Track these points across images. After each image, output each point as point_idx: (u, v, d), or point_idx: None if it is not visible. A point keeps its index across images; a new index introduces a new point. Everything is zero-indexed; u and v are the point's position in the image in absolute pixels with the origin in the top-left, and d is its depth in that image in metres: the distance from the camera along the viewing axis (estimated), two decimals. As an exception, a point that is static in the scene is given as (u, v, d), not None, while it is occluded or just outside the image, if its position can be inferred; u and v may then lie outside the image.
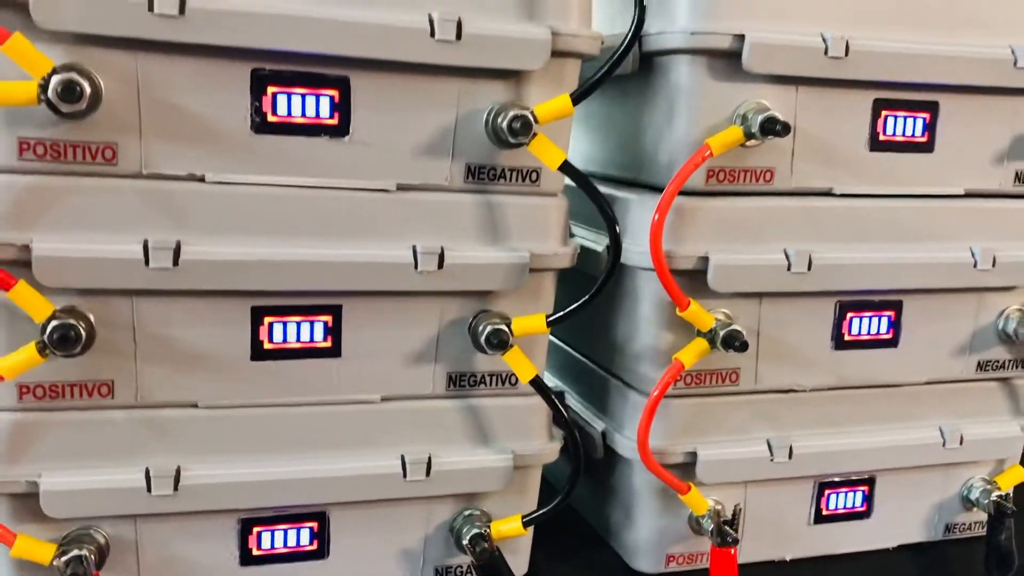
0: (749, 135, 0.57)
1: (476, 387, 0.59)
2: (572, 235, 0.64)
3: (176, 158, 0.51)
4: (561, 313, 0.57)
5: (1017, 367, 0.68)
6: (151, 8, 0.47)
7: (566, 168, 0.55)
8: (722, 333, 0.58)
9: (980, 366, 0.68)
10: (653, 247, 0.56)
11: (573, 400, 0.71)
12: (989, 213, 0.65)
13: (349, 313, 0.56)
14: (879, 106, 0.61)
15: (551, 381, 0.76)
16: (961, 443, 0.67)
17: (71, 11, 0.47)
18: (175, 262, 0.51)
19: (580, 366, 0.71)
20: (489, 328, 0.56)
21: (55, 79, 0.46)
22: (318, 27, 0.50)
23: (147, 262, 0.50)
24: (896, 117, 0.61)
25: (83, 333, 0.49)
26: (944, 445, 0.67)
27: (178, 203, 0.51)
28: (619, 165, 0.67)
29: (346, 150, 0.54)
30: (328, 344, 0.56)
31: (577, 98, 0.54)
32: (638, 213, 0.60)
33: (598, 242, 0.63)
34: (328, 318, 0.55)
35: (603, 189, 0.64)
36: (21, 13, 0.46)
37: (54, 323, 0.49)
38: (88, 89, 0.47)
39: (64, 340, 0.49)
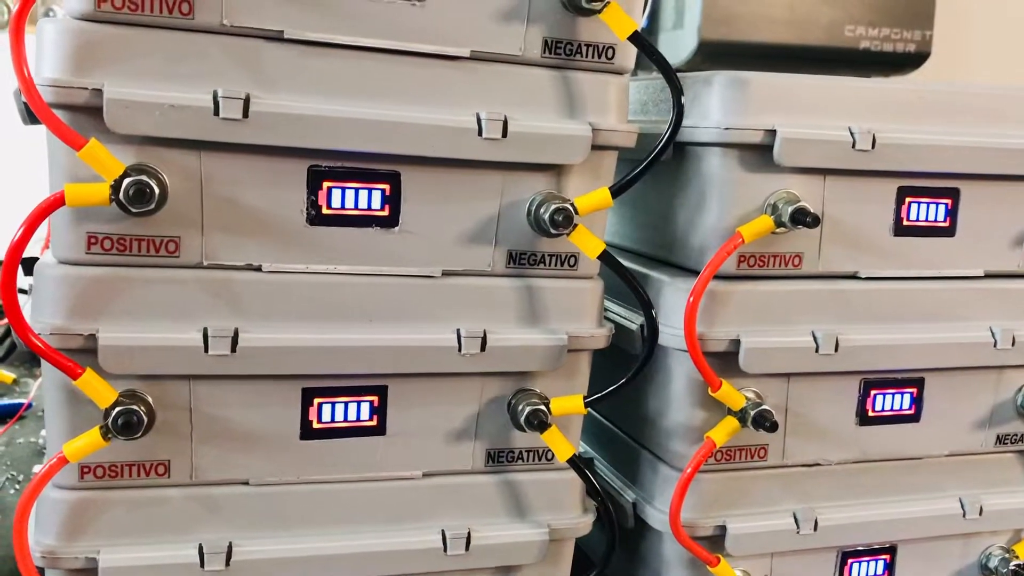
0: (780, 224, 0.59)
1: (514, 463, 0.61)
2: (605, 309, 0.66)
3: (235, 249, 0.53)
4: (598, 395, 0.59)
5: (1035, 440, 0.71)
6: (216, 112, 0.50)
7: (605, 257, 0.57)
8: (752, 413, 0.60)
9: (999, 439, 0.70)
10: (687, 331, 0.58)
11: (602, 467, 0.73)
12: (1008, 294, 0.67)
13: (394, 393, 0.58)
14: (903, 193, 0.63)
15: (581, 447, 0.78)
16: (981, 514, 0.69)
17: (142, 117, 0.49)
18: (233, 349, 0.53)
19: (610, 434, 0.73)
20: (529, 409, 0.58)
21: (126, 182, 0.48)
22: (372, 127, 0.53)
23: (206, 349, 0.53)
24: (919, 203, 0.64)
25: (144, 418, 0.51)
26: (964, 516, 0.69)
27: (236, 291, 0.54)
28: (651, 243, 0.69)
29: (395, 240, 0.56)
30: (374, 423, 0.58)
31: (616, 192, 0.57)
32: (671, 295, 0.62)
33: (631, 319, 0.65)
34: (374, 398, 0.58)
35: (635, 267, 0.67)
36: (94, 116, 0.49)
37: (118, 409, 0.51)
38: (157, 190, 0.49)
39: (127, 426, 0.51)
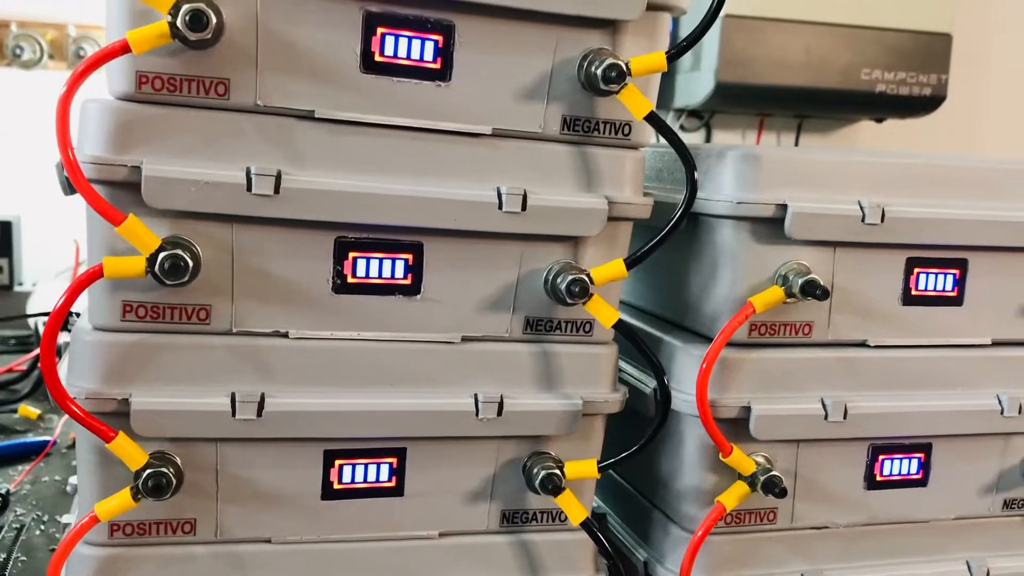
0: (790, 295, 0.61)
1: (528, 523, 0.63)
2: (621, 371, 0.68)
3: (263, 317, 0.56)
4: (612, 460, 0.61)
5: (1042, 505, 0.72)
6: (249, 188, 0.52)
7: (619, 326, 0.59)
8: (763, 479, 0.62)
9: (1006, 504, 0.71)
10: (699, 397, 0.60)
11: (614, 523, 0.75)
12: (1015, 362, 0.68)
13: (413, 456, 0.60)
14: (912, 264, 0.65)
15: (594, 501, 0.79)
16: (988, 577, 0.70)
17: (179, 193, 0.51)
18: (259, 413, 0.55)
19: (624, 492, 0.74)
20: (543, 473, 0.60)
21: (162, 256, 0.51)
22: (396, 202, 0.55)
23: (234, 413, 0.55)
24: (928, 274, 0.65)
25: (173, 480, 0.53)
26: (971, 579, 0.70)
27: (263, 357, 0.56)
28: (666, 306, 0.71)
29: (417, 307, 0.58)
30: (392, 484, 0.60)
31: (631, 264, 0.59)
32: (684, 361, 0.64)
33: (646, 382, 0.67)
34: (393, 460, 0.59)
35: (648, 329, 0.69)
36: (132, 191, 0.51)
37: (148, 471, 0.53)
38: (191, 264, 0.51)
39: (157, 488, 0.53)
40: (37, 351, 1.28)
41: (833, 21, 1.72)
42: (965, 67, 1.85)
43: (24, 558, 0.80)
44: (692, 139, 1.87)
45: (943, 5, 1.78)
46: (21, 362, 1.27)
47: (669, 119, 1.83)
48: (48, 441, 1.04)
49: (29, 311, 1.46)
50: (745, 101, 1.82)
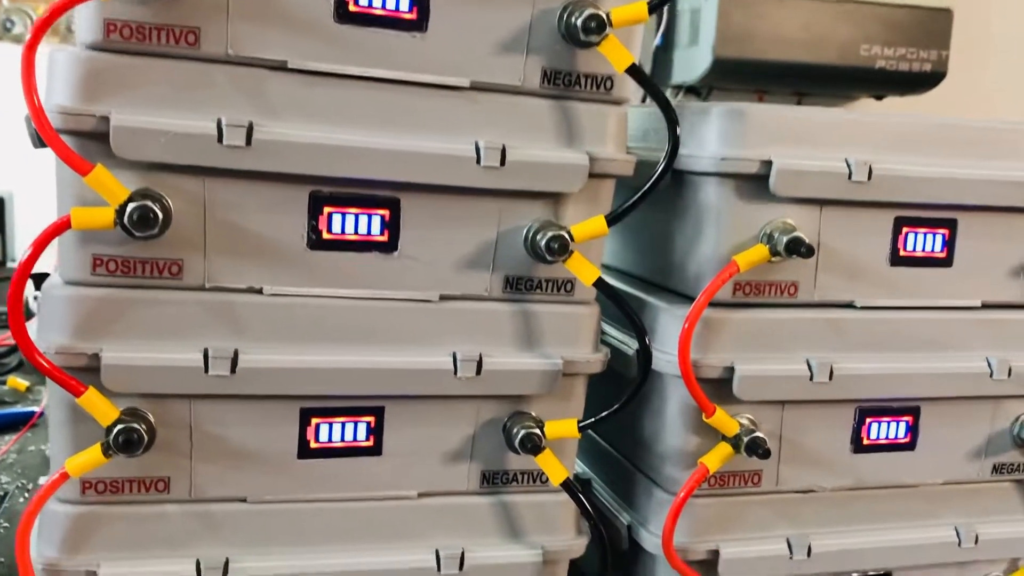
0: (775, 253, 0.60)
1: (508, 484, 0.62)
2: (603, 332, 0.67)
3: (237, 272, 0.55)
4: (591, 420, 0.60)
5: (1032, 470, 0.71)
6: (220, 140, 0.51)
7: (600, 284, 0.58)
8: (746, 440, 0.61)
9: (995, 468, 0.70)
10: (681, 358, 0.59)
11: (598, 487, 0.74)
12: (1005, 324, 0.67)
13: (391, 415, 0.59)
14: (900, 224, 0.64)
15: (578, 465, 0.78)
16: (976, 542, 0.69)
17: (148, 144, 0.50)
18: (232, 370, 0.54)
19: (607, 455, 0.74)
20: (523, 433, 0.59)
21: (131, 207, 0.50)
22: (373, 155, 0.54)
23: (207, 369, 0.54)
24: (916, 234, 0.64)
25: (145, 436, 0.53)
26: (959, 544, 0.69)
27: (236, 313, 0.55)
28: (647, 267, 0.70)
29: (394, 264, 0.57)
30: (370, 443, 0.59)
31: (612, 221, 0.58)
32: (667, 321, 0.63)
33: (629, 343, 0.66)
34: (371, 419, 0.59)
35: (632, 291, 0.68)
36: (101, 142, 0.50)
37: (119, 427, 0.52)
38: (161, 216, 0.50)
39: (128, 444, 0.52)
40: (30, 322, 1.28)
41: (832, -5, 1.70)
42: (966, 43, 1.83)
43: (7, 524, 0.79)
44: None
45: (943, -21, 1.76)
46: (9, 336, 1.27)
47: (667, 95, 1.82)
48: (35, 412, 1.03)
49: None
50: (743, 77, 1.80)
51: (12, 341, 1.26)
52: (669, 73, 1.78)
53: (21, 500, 0.85)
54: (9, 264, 1.57)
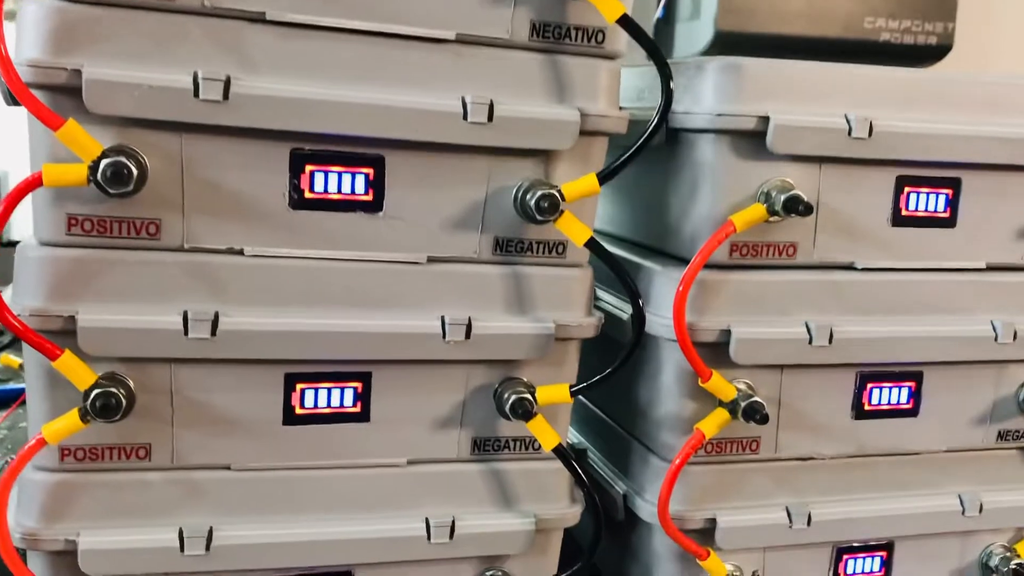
0: (772, 212, 0.58)
1: (500, 451, 0.60)
2: (598, 299, 0.66)
3: (217, 233, 0.53)
4: (584, 384, 0.59)
5: (1037, 437, 0.69)
6: (196, 94, 0.50)
7: (592, 245, 0.56)
8: (743, 405, 0.59)
9: (1000, 435, 0.68)
10: (676, 320, 0.57)
11: (595, 457, 0.72)
12: (1010, 287, 0.65)
13: (378, 380, 0.57)
14: (902, 183, 0.62)
15: (574, 436, 0.77)
16: (980, 511, 0.68)
17: (121, 98, 0.49)
18: (213, 332, 0.53)
19: (603, 424, 0.72)
20: (514, 398, 0.57)
21: (104, 163, 0.48)
22: (355, 111, 0.52)
23: (186, 332, 0.52)
24: (919, 194, 0.62)
25: (123, 401, 0.51)
26: (963, 513, 0.67)
27: (217, 275, 0.53)
28: (643, 231, 0.68)
29: (380, 225, 0.55)
30: (357, 409, 0.57)
31: (604, 178, 0.56)
32: (662, 284, 0.61)
33: (623, 308, 0.64)
34: (358, 385, 0.57)
35: (627, 255, 0.66)
36: (74, 97, 0.49)
37: (96, 391, 0.51)
38: (135, 172, 0.49)
39: (106, 408, 0.51)
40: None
41: (836, -34, 1.67)
42: (973, 15, 1.80)
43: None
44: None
45: (950, -50, 1.73)
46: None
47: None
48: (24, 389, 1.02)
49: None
50: (745, 51, 1.77)
51: None
52: (671, 47, 1.76)
53: (10, 475, 0.84)
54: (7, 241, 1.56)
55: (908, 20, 1.81)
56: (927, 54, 1.86)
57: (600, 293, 0.67)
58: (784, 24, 1.78)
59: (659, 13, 1.72)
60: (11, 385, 1.06)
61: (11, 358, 1.13)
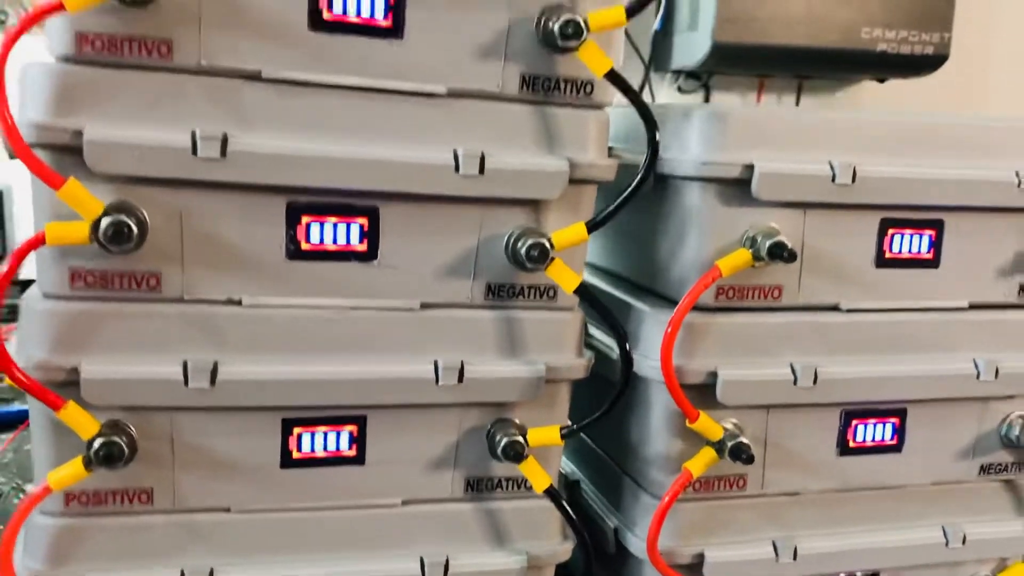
0: (757, 258, 0.59)
1: (493, 491, 0.62)
2: (589, 335, 0.67)
3: (215, 284, 0.55)
4: (574, 427, 0.60)
5: (1019, 469, 0.70)
6: (195, 152, 0.51)
7: (581, 291, 0.58)
8: (730, 445, 0.61)
9: (983, 469, 0.70)
10: (664, 364, 0.59)
11: (587, 489, 0.74)
12: (992, 325, 0.67)
13: (373, 424, 0.59)
14: (886, 225, 0.63)
15: (567, 466, 0.78)
16: (964, 542, 0.69)
17: (122, 157, 0.50)
18: (212, 382, 0.54)
19: (595, 456, 0.74)
20: (505, 440, 0.59)
21: (105, 222, 0.50)
22: (349, 165, 0.54)
23: (186, 382, 0.54)
24: (902, 235, 0.64)
25: (126, 449, 0.53)
26: (947, 544, 0.69)
27: (216, 325, 0.55)
28: (632, 268, 0.70)
29: (374, 273, 0.57)
30: (353, 453, 0.59)
31: (592, 227, 0.57)
32: (651, 326, 0.63)
33: (613, 346, 0.65)
34: (353, 428, 0.59)
35: (616, 293, 0.68)
36: (76, 155, 0.50)
37: (100, 440, 0.52)
38: (136, 230, 0.50)
39: (109, 457, 0.52)
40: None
41: (833, -23, 1.68)
42: (968, 25, 1.81)
43: (1, 527, 0.80)
44: (690, 100, 1.84)
45: (946, -39, 1.74)
46: (9, 330, 1.27)
47: (667, 80, 1.80)
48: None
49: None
50: (743, 62, 1.78)
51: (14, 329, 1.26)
52: (669, 58, 1.77)
53: (15, 501, 0.86)
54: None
55: (905, 31, 1.82)
56: (924, 64, 1.88)
57: (589, 328, 0.68)
58: (781, 35, 1.79)
59: (657, 25, 1.73)
60: (15, 406, 1.07)
61: (15, 378, 1.15)
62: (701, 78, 1.84)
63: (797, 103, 1.91)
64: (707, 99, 1.88)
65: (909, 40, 1.76)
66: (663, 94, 1.80)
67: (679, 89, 1.83)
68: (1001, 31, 1.99)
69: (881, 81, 1.88)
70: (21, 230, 1.61)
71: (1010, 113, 1.96)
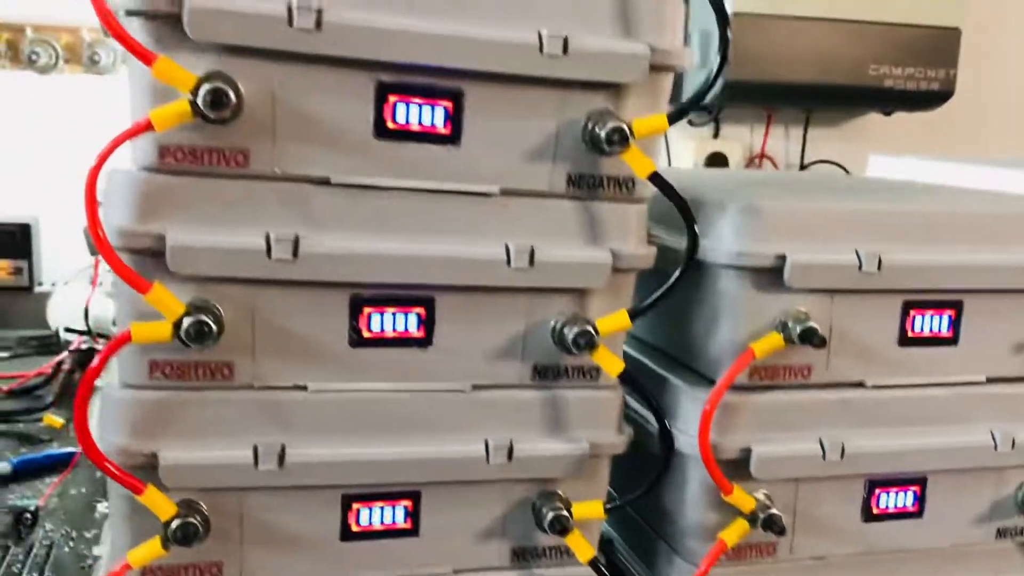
0: (789, 341, 0.63)
1: (539, 559, 0.65)
2: (628, 407, 0.71)
3: (284, 371, 0.58)
4: (617, 503, 0.64)
5: (1034, 533, 0.74)
6: (269, 254, 0.55)
7: (625, 377, 0.62)
8: (762, 516, 0.64)
9: (999, 532, 0.73)
10: (702, 442, 0.62)
11: (620, 548, 0.77)
12: (1009, 398, 0.70)
13: (427, 498, 0.62)
14: (908, 307, 0.67)
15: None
16: (982, 602, 0.73)
17: (202, 260, 0.54)
18: (280, 464, 0.58)
19: (630, 518, 0.77)
20: (552, 515, 0.62)
21: (187, 322, 0.53)
22: (408, 262, 0.58)
23: (256, 464, 0.57)
24: (924, 316, 0.67)
25: (200, 529, 0.56)
26: (966, 604, 0.73)
27: (283, 410, 0.59)
28: (671, 343, 0.73)
29: (429, 357, 0.61)
30: (408, 526, 0.62)
31: (634, 316, 0.61)
32: (687, 403, 0.66)
33: (648, 418, 0.69)
34: (408, 503, 0.62)
35: (652, 366, 0.71)
36: (158, 259, 0.54)
37: (177, 522, 0.56)
38: (215, 328, 0.54)
39: (185, 537, 0.56)
40: (61, 356, 1.32)
41: (841, 17, 1.72)
42: (974, 60, 1.85)
43: (61, 581, 0.83)
44: (700, 133, 1.88)
45: (952, -1, 1.78)
46: (48, 367, 1.29)
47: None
48: (74, 453, 1.06)
49: (49, 312, 1.50)
50: (754, 98, 1.82)
51: (48, 371, 1.29)
52: (680, 95, 1.81)
53: (66, 550, 0.89)
54: (36, 289, 1.61)
55: (911, 67, 1.86)
56: (930, 99, 1.92)
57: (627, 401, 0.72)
58: (792, 72, 1.83)
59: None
60: (55, 449, 1.10)
61: (53, 418, 1.18)
62: (711, 111, 1.88)
63: (804, 135, 1.95)
64: (716, 132, 1.93)
65: (915, 77, 1.80)
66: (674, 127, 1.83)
67: (690, 122, 1.87)
68: (1005, 66, 2.03)
69: (887, 114, 1.92)
70: (48, 262, 1.65)
71: (1013, 147, 2.01)
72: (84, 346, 1.29)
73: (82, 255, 1.57)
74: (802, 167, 1.96)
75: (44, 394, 1.26)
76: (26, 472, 1.03)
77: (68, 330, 1.39)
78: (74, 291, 1.52)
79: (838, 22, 1.74)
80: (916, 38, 1.77)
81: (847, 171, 1.93)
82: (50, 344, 1.47)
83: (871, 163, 1.40)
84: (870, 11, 1.75)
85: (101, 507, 0.95)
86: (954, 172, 1.17)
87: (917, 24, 1.76)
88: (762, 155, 1.96)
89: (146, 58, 0.50)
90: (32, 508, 0.91)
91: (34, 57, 1.53)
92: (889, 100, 1.83)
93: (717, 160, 1.91)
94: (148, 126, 0.51)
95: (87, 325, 1.35)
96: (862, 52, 1.76)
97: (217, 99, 0.51)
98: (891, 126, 1.95)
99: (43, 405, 1.21)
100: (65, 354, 1.32)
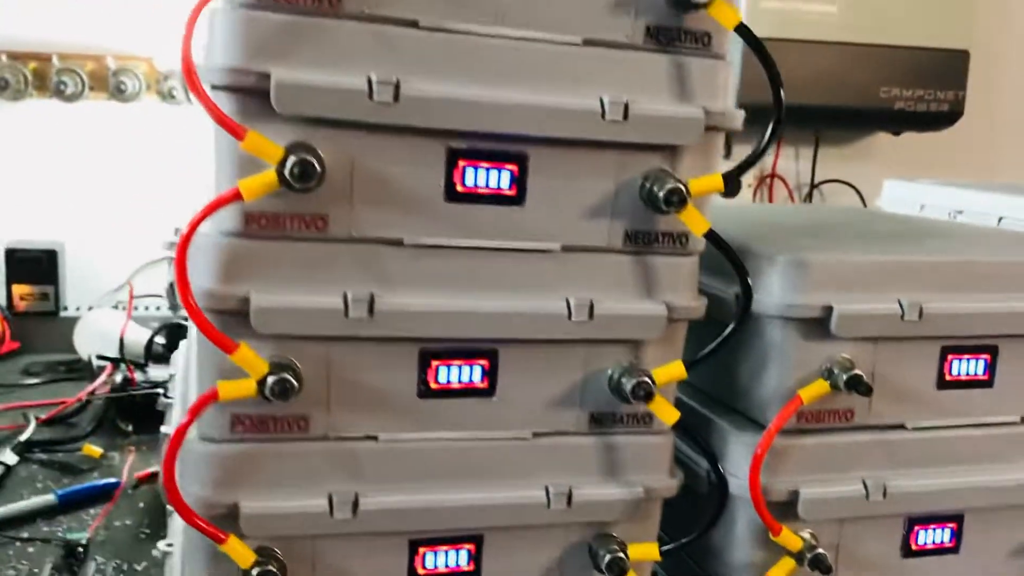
0: (835, 387, 0.66)
1: (592, 605, 0.68)
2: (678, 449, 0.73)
3: (356, 424, 0.61)
4: (671, 546, 0.67)
5: (1068, 567, 0.77)
6: (346, 314, 0.57)
7: (679, 425, 0.64)
8: (809, 556, 0.67)
9: (1031, 566, 0.76)
10: (752, 485, 0.65)
11: (666, 582, 0.80)
12: (1043, 438, 0.73)
13: (490, 542, 0.65)
14: (946, 352, 0.70)
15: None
16: (1015, 633, 0.76)
17: (283, 320, 0.57)
18: (354, 512, 0.60)
19: (677, 555, 0.80)
20: (609, 558, 0.65)
21: (271, 380, 0.56)
22: (473, 316, 0.60)
23: (331, 512, 0.60)
24: (961, 360, 0.70)
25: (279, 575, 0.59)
26: (1000, 635, 0.75)
27: (355, 459, 0.61)
28: (718, 387, 0.76)
29: (493, 407, 0.63)
30: (471, 568, 0.65)
31: (689, 367, 0.64)
32: (736, 447, 0.69)
33: (696, 460, 0.72)
34: (471, 546, 0.65)
35: (700, 408, 0.74)
36: (242, 318, 0.56)
37: (256, 570, 0.58)
38: (297, 385, 0.56)
39: (264, 586, 0.58)
40: (96, 383, 1.34)
41: (852, 41, 1.76)
42: (983, 82, 1.89)
43: (114, 615, 0.85)
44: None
45: (961, 22, 1.82)
46: (83, 394, 1.31)
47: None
48: (117, 483, 1.08)
49: (76, 337, 1.52)
50: (766, 120, 1.85)
51: (84, 396, 1.30)
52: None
53: (119, 582, 0.91)
54: (62, 314, 1.63)
55: (921, 89, 1.90)
56: (939, 120, 1.95)
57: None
58: (804, 95, 1.86)
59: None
60: (96, 479, 1.12)
61: (92, 448, 1.20)
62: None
63: (815, 155, 1.99)
64: (728, 152, 1.96)
65: (925, 98, 1.83)
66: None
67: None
68: (1014, 89, 2.07)
69: (896, 134, 1.95)
70: (73, 287, 1.67)
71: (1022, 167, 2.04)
72: (119, 377, 1.31)
73: (107, 280, 1.61)
74: (812, 187, 2.00)
75: (79, 421, 1.29)
76: (71, 503, 1.05)
77: (101, 357, 1.41)
78: (103, 317, 1.55)
79: (849, 45, 1.77)
80: (926, 61, 1.81)
81: (858, 191, 1.96)
82: (77, 368, 1.49)
83: (886, 188, 1.43)
84: (880, 35, 1.78)
85: (148, 540, 0.97)
86: (968, 199, 1.20)
87: (927, 47, 1.79)
88: (772, 175, 1.99)
89: (236, 132, 0.53)
90: (84, 541, 0.94)
91: (62, 87, 1.55)
92: (899, 121, 1.86)
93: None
94: (236, 196, 0.54)
95: (121, 353, 1.37)
96: (873, 75, 1.79)
97: (304, 171, 0.53)
98: (900, 146, 1.98)
99: (82, 434, 1.23)
100: (99, 381, 1.34)
